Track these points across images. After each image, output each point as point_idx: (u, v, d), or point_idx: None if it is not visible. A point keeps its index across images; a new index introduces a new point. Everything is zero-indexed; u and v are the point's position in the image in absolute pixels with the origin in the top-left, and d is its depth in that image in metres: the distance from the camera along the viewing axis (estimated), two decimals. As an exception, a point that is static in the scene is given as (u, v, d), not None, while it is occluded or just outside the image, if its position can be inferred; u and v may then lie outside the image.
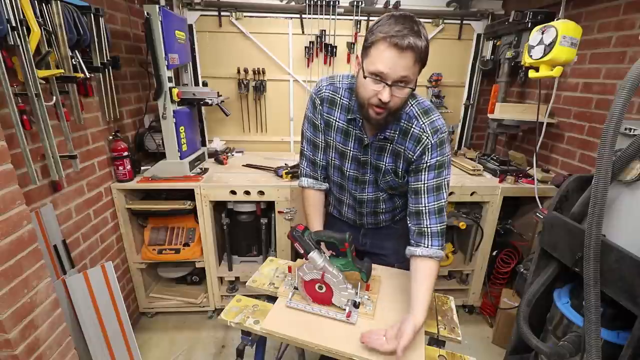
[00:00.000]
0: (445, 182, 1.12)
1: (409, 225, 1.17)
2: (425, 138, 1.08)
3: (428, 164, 1.09)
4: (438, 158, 1.09)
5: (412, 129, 1.09)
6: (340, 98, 1.17)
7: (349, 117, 1.16)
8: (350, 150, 1.20)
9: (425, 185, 1.11)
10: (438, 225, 1.11)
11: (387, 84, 0.95)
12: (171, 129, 1.97)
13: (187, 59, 2.25)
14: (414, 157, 1.11)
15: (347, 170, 1.25)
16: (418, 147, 1.10)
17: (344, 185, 1.31)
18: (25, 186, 1.35)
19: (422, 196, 1.11)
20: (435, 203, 1.10)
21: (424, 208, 1.11)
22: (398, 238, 1.35)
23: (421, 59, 0.95)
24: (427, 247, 1.10)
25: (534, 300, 1.37)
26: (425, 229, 1.11)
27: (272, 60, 2.52)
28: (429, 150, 1.08)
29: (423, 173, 1.10)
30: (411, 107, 1.10)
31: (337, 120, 1.19)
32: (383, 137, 1.12)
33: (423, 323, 1.01)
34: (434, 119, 1.09)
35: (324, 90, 1.19)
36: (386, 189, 1.25)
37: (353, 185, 1.28)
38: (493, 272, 2.31)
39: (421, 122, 1.09)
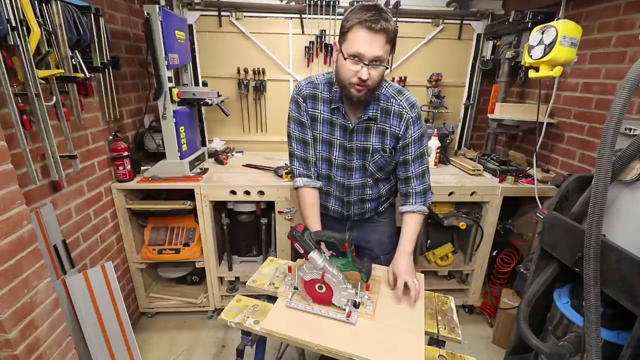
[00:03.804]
0: (426, 149, 1.32)
1: (399, 188, 1.38)
2: (405, 113, 1.23)
3: (413, 137, 1.26)
4: (419, 130, 1.27)
5: (392, 107, 1.24)
6: (321, 92, 1.27)
7: (332, 107, 1.25)
8: (337, 138, 1.30)
9: (412, 155, 1.29)
10: (421, 185, 1.33)
11: (364, 64, 1.07)
12: (171, 129, 1.98)
13: (187, 59, 2.25)
14: (400, 132, 1.26)
15: (335, 159, 1.32)
16: (402, 123, 1.24)
17: (331, 175, 1.37)
18: (25, 186, 1.35)
19: (410, 164, 1.31)
20: (420, 168, 1.32)
21: (411, 174, 1.32)
22: (382, 231, 1.51)
23: (391, 40, 1.07)
24: (412, 204, 1.33)
25: (534, 300, 1.37)
26: (411, 189, 1.33)
27: (272, 60, 2.52)
28: (411, 124, 1.24)
29: (410, 146, 1.28)
30: (387, 89, 1.25)
31: (322, 112, 1.28)
32: (367, 117, 1.23)
33: (411, 251, 1.29)
34: (408, 96, 1.26)
35: (304, 89, 1.29)
36: (374, 171, 1.33)
37: (341, 172, 1.35)
38: (493, 272, 2.31)
39: (399, 100, 1.23)
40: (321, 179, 1.39)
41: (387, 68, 1.14)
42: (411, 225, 1.32)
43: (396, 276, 1.22)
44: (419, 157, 1.30)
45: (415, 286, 1.18)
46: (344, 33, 1.09)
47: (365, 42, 1.03)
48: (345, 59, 1.08)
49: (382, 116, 1.24)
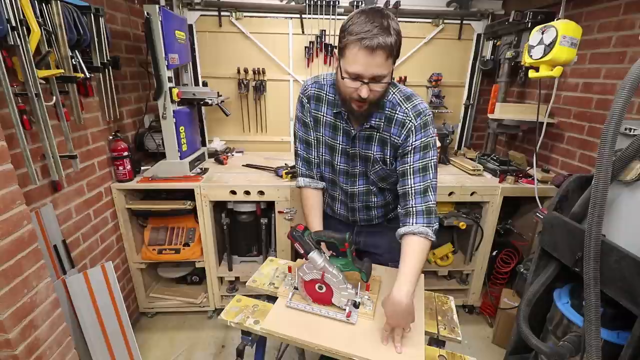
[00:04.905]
0: (432, 163, 1.14)
1: (398, 209, 1.18)
2: (408, 122, 1.12)
3: (413, 145, 1.12)
4: (422, 139, 1.12)
5: (396, 115, 1.13)
6: (326, 94, 1.21)
7: (335, 111, 1.20)
8: (339, 143, 1.24)
9: (411, 166, 1.13)
10: (423, 204, 1.12)
11: (364, 82, 1.00)
12: (171, 129, 1.97)
13: (187, 59, 2.25)
14: (400, 141, 1.14)
15: (337, 164, 1.28)
16: (403, 131, 1.13)
17: (335, 180, 1.33)
18: (25, 186, 1.35)
19: (408, 177, 1.13)
20: (422, 183, 1.12)
21: (410, 189, 1.13)
22: (391, 237, 1.36)
23: (393, 53, 0.98)
24: (411, 224, 1.11)
25: (534, 300, 1.37)
26: (411, 208, 1.13)
27: (272, 60, 2.52)
28: (413, 132, 1.12)
29: (409, 155, 1.13)
30: (393, 95, 1.14)
31: (325, 115, 1.23)
32: (369, 125, 1.16)
33: (410, 293, 1.01)
34: (416, 103, 1.13)
35: (309, 89, 1.24)
36: (377, 181, 1.26)
37: (344, 178, 1.30)
38: (493, 272, 2.31)
39: (404, 108, 1.13)
40: (326, 182, 1.37)
41: (390, 82, 1.05)
42: (410, 252, 1.07)
43: (387, 321, 1.02)
44: (420, 170, 1.12)
45: (404, 334, 1.02)
46: (341, 48, 1.01)
47: (362, 61, 0.96)
48: (343, 78, 1.02)
49: (385, 125, 1.15)
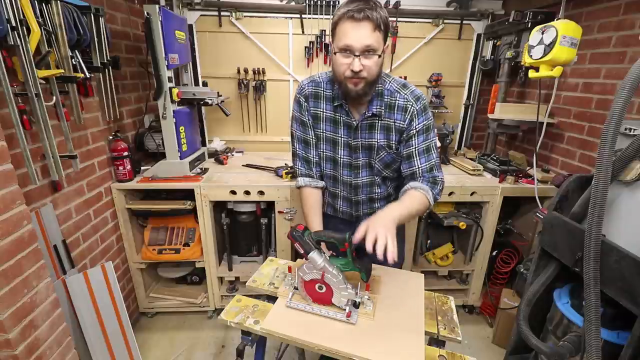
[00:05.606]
0: (433, 144, 1.24)
1: (405, 186, 1.26)
2: (410, 106, 1.19)
3: (417, 129, 1.21)
4: (424, 122, 1.21)
5: (397, 101, 1.20)
6: (324, 91, 1.25)
7: (335, 104, 1.24)
8: (340, 137, 1.28)
9: (417, 148, 1.22)
10: (430, 177, 1.23)
11: (355, 55, 1.05)
12: (171, 129, 1.97)
13: (187, 59, 2.25)
14: (405, 125, 1.21)
15: (340, 158, 1.30)
16: (406, 116, 1.20)
17: (337, 176, 1.35)
18: (25, 186, 1.36)
19: (415, 159, 1.23)
20: (427, 163, 1.23)
21: (417, 169, 1.23)
22: None
23: (379, 26, 1.03)
24: (417, 183, 1.22)
25: (534, 300, 1.37)
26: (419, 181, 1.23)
27: (272, 60, 2.52)
28: (416, 116, 1.20)
29: (413, 138, 1.22)
30: (390, 84, 1.21)
31: (324, 111, 1.26)
32: (371, 113, 1.21)
33: (396, 218, 1.05)
34: (413, 89, 1.22)
35: (306, 88, 1.27)
36: (381, 169, 1.30)
37: (347, 171, 1.32)
38: (493, 272, 2.31)
39: (403, 94, 1.20)
40: (327, 179, 1.38)
41: (381, 57, 1.08)
42: (408, 197, 1.16)
43: (367, 228, 1.01)
44: (424, 151, 1.22)
45: (386, 244, 0.95)
46: (333, 29, 1.09)
47: (351, 33, 1.02)
48: (335, 53, 1.08)
49: (387, 112, 1.21)
